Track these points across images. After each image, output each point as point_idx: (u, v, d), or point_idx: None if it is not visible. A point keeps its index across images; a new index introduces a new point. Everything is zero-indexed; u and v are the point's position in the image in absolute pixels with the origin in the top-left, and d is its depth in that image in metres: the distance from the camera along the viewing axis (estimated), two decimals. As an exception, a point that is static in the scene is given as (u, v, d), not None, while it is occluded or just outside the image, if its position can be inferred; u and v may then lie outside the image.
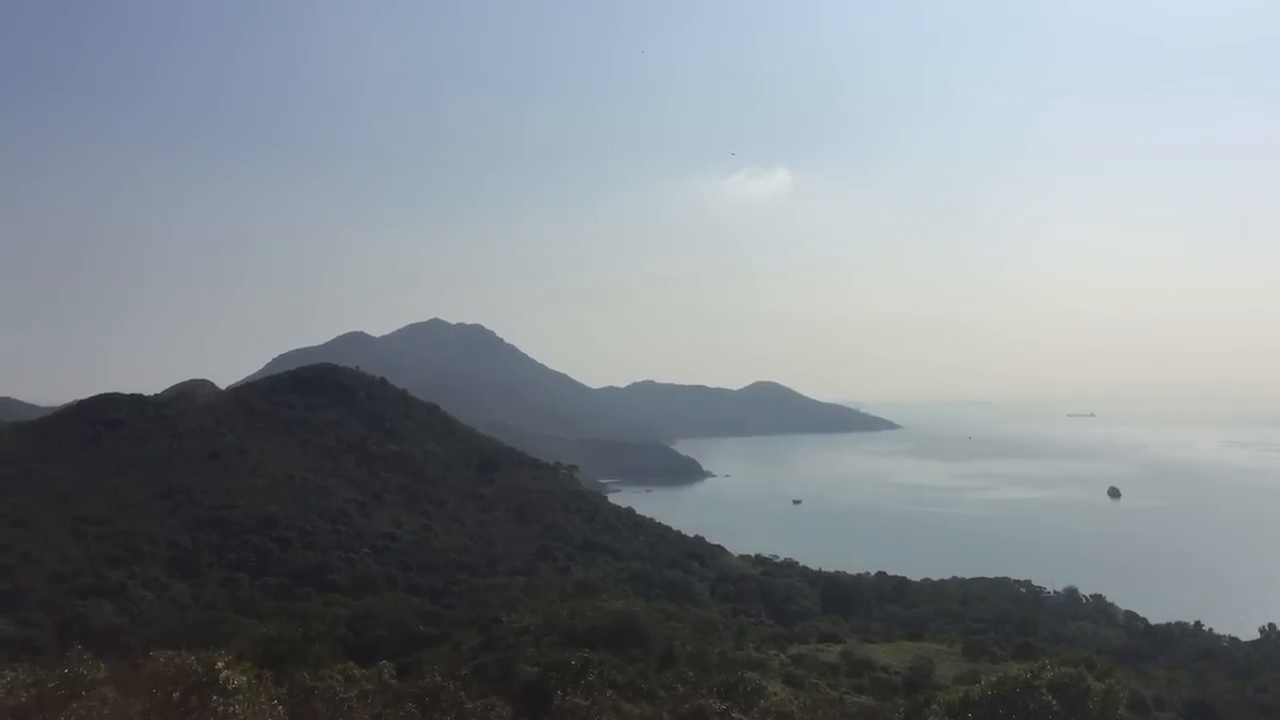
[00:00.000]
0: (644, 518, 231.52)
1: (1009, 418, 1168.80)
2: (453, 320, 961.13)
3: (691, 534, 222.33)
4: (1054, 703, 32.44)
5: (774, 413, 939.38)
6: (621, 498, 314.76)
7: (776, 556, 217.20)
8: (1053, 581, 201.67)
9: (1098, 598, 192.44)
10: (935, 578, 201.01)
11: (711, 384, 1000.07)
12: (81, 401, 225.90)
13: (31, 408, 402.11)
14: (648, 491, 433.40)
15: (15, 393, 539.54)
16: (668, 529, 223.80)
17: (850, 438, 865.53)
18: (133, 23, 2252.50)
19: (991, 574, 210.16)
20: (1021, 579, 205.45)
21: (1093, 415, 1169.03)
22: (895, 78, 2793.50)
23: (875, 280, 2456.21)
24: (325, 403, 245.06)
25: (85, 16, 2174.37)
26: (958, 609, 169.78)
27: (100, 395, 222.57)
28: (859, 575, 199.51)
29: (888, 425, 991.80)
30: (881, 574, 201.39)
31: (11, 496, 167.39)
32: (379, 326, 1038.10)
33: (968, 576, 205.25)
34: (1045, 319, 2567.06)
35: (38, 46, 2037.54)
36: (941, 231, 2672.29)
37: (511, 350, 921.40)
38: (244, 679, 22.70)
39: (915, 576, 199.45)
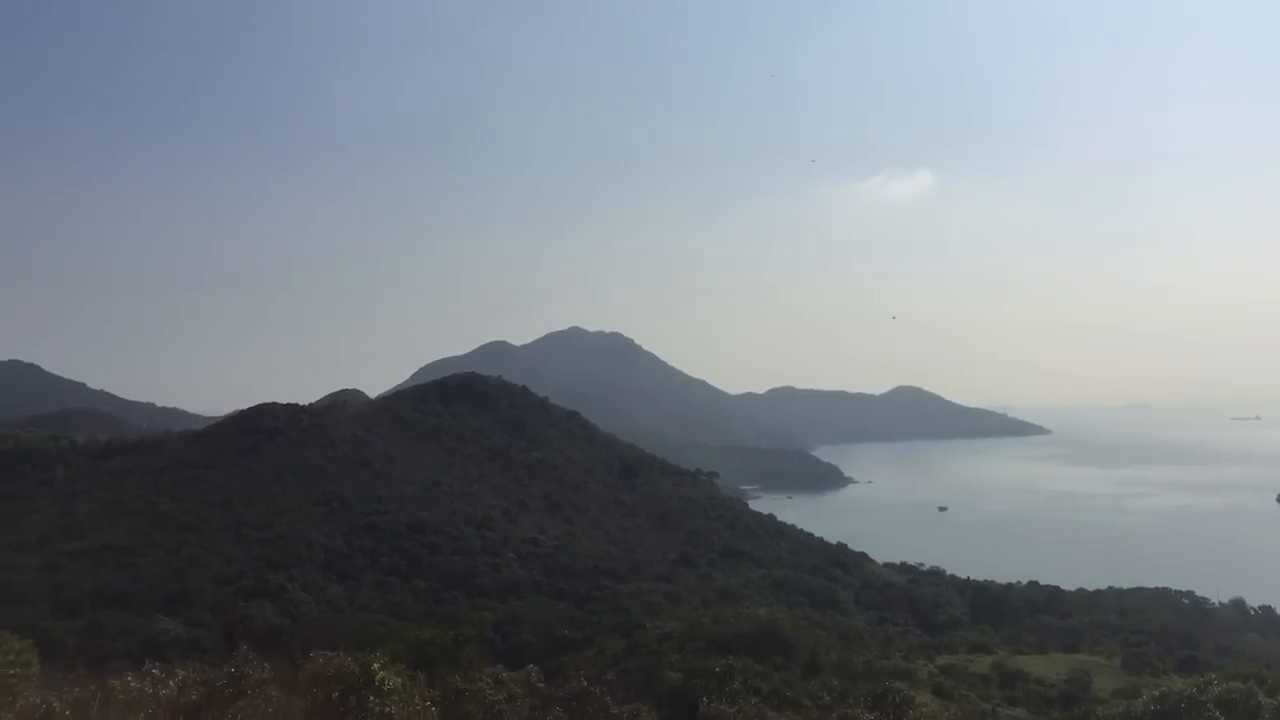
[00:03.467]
0: (785, 524, 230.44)
1: (1168, 422, 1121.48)
2: (591, 328, 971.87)
3: (834, 541, 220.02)
4: (1222, 719, 31.07)
5: (916, 418, 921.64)
6: (762, 504, 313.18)
7: (922, 564, 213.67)
8: (1218, 592, 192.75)
9: (1267, 609, 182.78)
10: (1090, 588, 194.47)
11: (852, 389, 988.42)
12: (242, 411, 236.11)
13: (197, 417, 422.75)
14: (789, 498, 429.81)
15: (182, 403, 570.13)
16: (810, 536, 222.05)
17: (997, 443, 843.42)
18: (276, 41, 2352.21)
19: (1151, 584, 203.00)
20: (1184, 589, 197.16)
21: (1258, 419, 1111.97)
22: (1042, 73, 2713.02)
23: (1022, 282, 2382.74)
24: (469, 411, 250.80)
25: (245, 33, 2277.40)
26: (1115, 620, 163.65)
27: (259, 405, 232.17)
28: (1009, 584, 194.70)
29: (1036, 430, 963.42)
30: (1033, 583, 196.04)
31: (181, 502, 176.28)
32: (520, 336, 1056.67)
33: (1125, 587, 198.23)
34: (1206, 319, 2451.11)
35: (193, 66, 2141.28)
36: (1091, 231, 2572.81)
37: (650, 357, 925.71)
38: (398, 681, 23.25)
39: (1069, 586, 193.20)
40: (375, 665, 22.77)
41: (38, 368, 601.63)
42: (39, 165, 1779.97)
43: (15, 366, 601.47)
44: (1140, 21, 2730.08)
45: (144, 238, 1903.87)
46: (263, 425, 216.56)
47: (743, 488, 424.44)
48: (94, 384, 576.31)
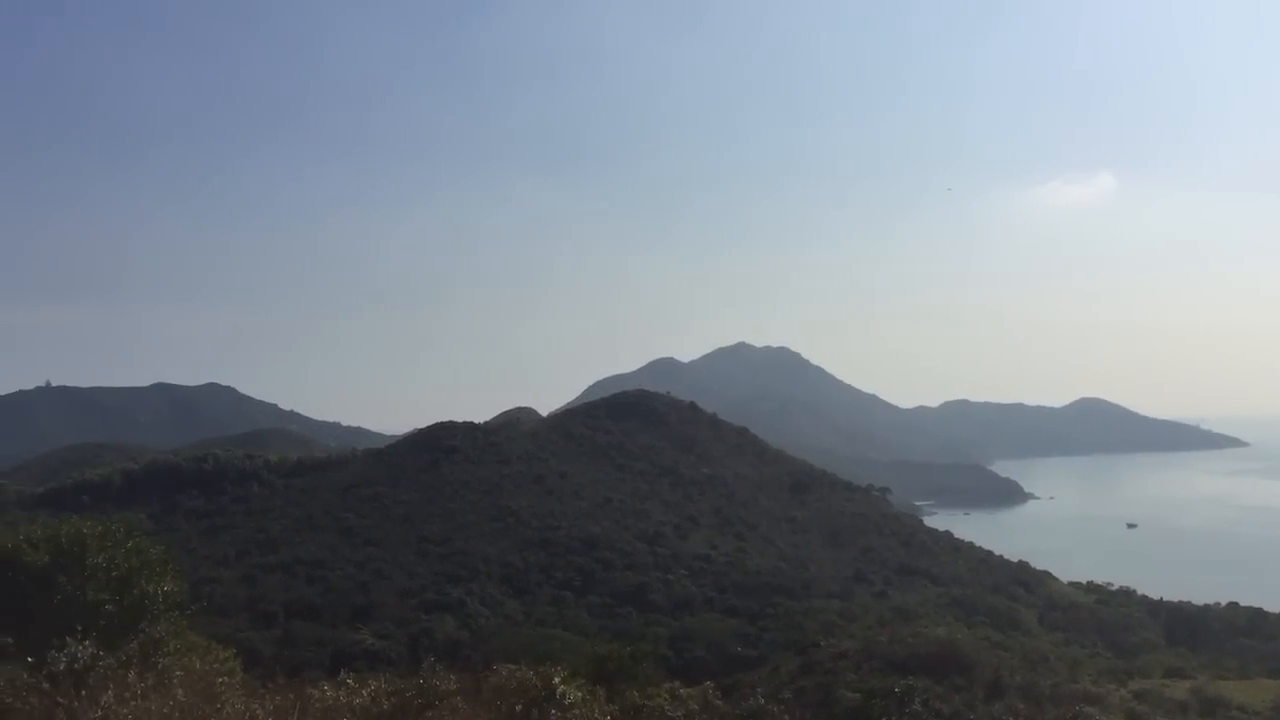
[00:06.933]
0: (963, 541, 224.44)
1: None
2: (759, 344, 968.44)
3: (1014, 559, 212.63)
4: None
5: (1101, 431, 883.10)
6: (938, 520, 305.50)
7: (1111, 584, 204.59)
8: None
9: None
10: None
11: (1031, 401, 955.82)
12: (421, 429, 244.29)
13: (379, 436, 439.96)
14: (965, 514, 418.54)
15: (366, 422, 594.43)
16: (989, 553, 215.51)
17: (1190, 457, 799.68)
18: (457, 64, 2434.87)
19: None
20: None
21: None
22: (1236, 68, 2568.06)
23: (1213, 287, 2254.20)
24: (639, 427, 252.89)
25: (429, 59, 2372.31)
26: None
27: (438, 423, 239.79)
28: (1206, 605, 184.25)
29: (1234, 443, 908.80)
30: (1233, 604, 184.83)
31: (365, 518, 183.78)
32: (687, 352, 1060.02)
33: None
34: None
35: (375, 90, 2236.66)
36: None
37: (819, 372, 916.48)
38: (579, 694, 23.65)
39: (1272, 608, 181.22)
40: (556, 679, 23.23)
41: (234, 390, 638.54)
42: (238, 195, 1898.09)
43: (213, 389, 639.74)
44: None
45: (329, 262, 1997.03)
46: (441, 443, 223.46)
47: (916, 503, 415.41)
48: (285, 405, 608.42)
